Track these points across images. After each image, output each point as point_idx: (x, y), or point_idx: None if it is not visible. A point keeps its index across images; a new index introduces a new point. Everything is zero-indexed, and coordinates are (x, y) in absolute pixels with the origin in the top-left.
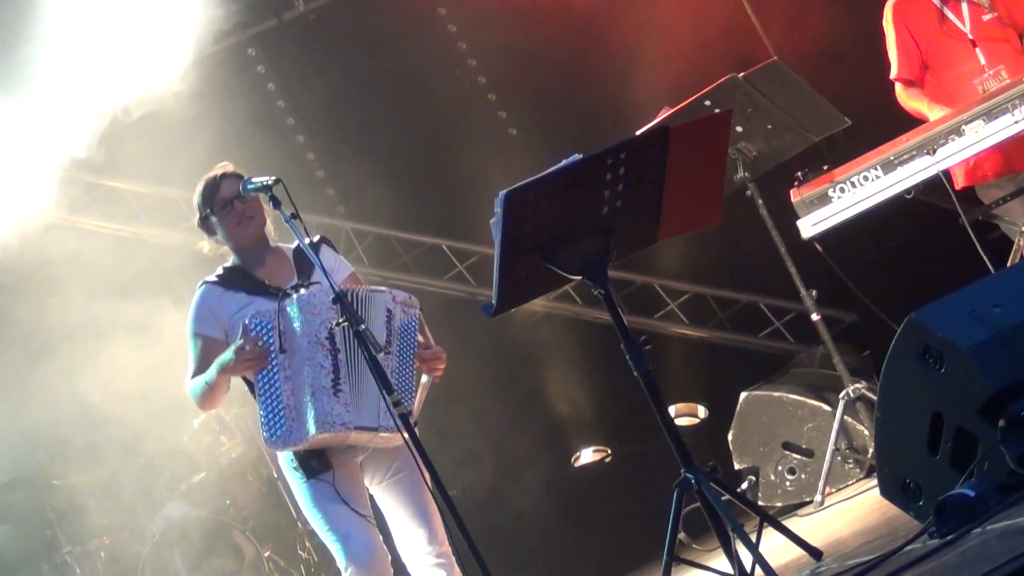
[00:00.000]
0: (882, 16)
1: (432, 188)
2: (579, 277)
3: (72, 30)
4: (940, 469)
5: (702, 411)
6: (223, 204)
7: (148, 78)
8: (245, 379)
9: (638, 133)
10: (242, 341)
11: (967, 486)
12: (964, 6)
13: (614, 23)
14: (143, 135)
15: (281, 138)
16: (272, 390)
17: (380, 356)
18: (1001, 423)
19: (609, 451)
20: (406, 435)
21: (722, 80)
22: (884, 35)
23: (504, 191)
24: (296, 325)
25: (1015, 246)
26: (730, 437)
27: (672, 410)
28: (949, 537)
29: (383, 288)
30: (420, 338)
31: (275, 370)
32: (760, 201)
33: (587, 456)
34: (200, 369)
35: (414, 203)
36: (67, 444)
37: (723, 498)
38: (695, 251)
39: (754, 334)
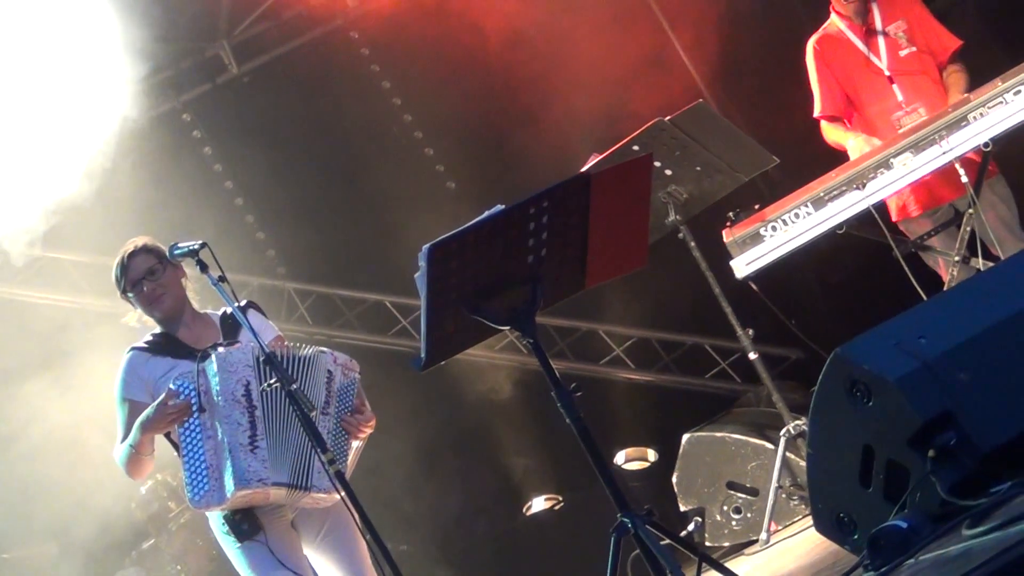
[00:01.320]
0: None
1: (373, 244)
2: (507, 327)
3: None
4: (873, 502)
5: (652, 454)
6: (133, 284)
7: (83, 149)
8: (171, 441)
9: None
10: (163, 398)
11: (900, 518)
12: (881, 41)
13: (548, 72)
14: (82, 205)
15: (220, 201)
16: (194, 450)
17: (318, 416)
18: (931, 453)
19: (560, 498)
20: (343, 492)
21: (649, 124)
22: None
23: (427, 245)
24: (214, 383)
25: (948, 276)
26: (674, 479)
27: (622, 455)
28: (883, 569)
29: (325, 349)
30: (357, 401)
31: (196, 429)
32: (692, 243)
33: (539, 504)
34: (127, 434)
35: (356, 260)
36: (14, 515)
37: (663, 541)
38: (638, 296)
39: (700, 375)
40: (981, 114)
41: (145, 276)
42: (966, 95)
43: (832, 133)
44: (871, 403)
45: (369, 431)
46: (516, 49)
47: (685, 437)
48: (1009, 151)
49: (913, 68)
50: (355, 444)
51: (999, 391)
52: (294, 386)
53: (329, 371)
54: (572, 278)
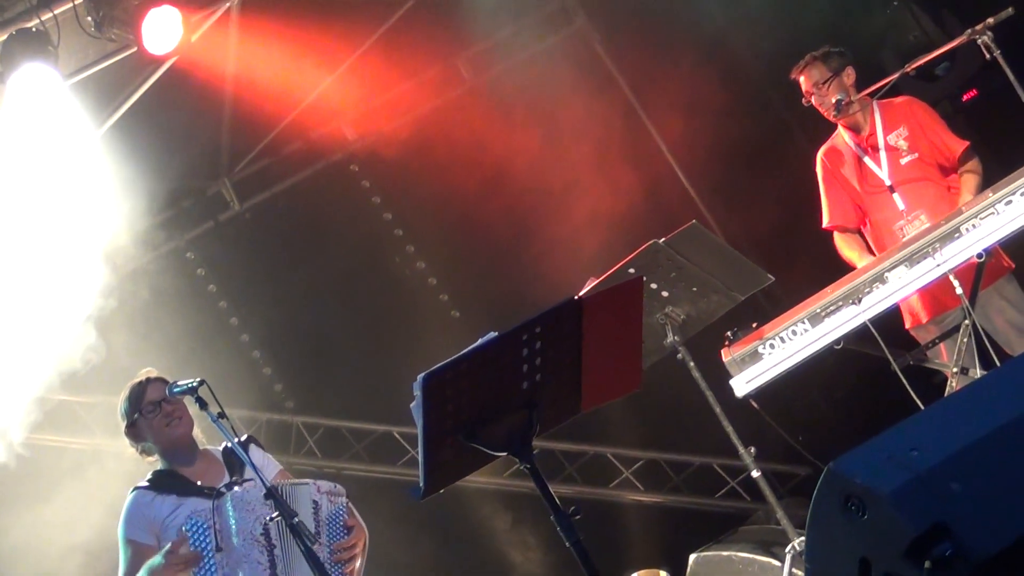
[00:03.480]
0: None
1: (380, 375)
2: (505, 453)
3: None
4: None
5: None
6: (151, 407)
7: (88, 292)
8: None
9: (551, 307)
10: (172, 544)
11: None
12: (883, 151)
13: (547, 199)
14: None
15: (226, 338)
16: None
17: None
18: (927, 565)
19: None
20: None
21: (644, 247)
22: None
23: (421, 375)
24: (232, 523)
25: (948, 387)
26: None
27: None
28: None
29: (307, 480)
30: (350, 522)
31: (213, 570)
32: (692, 364)
33: None
34: None
35: (362, 392)
36: None
37: None
38: (646, 417)
39: (710, 495)
40: (974, 225)
41: (164, 399)
42: (966, 203)
43: (845, 249)
44: (865, 516)
45: (362, 544)
46: (515, 177)
47: (692, 557)
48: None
49: (915, 176)
50: (357, 563)
51: (993, 499)
52: (296, 519)
53: (314, 501)
54: (567, 402)
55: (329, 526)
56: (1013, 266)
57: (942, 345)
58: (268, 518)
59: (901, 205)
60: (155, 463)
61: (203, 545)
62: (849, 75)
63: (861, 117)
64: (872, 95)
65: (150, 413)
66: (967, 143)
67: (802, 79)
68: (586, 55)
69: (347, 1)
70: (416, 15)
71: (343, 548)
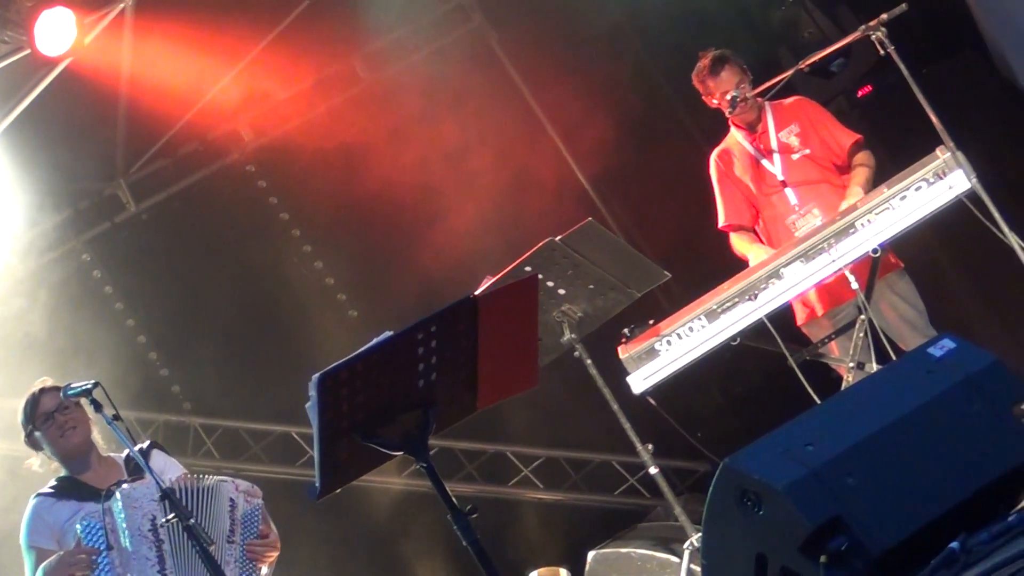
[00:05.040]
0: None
1: (277, 375)
2: (401, 452)
3: None
4: None
5: (565, 573)
6: (44, 417)
7: None
8: None
9: (446, 306)
10: (69, 549)
11: None
12: (775, 147)
13: (444, 196)
14: None
15: (122, 339)
16: None
17: (224, 545)
18: (823, 559)
19: None
20: None
21: (540, 244)
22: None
23: (316, 375)
24: (120, 520)
25: (844, 382)
26: None
27: (535, 574)
28: None
29: (227, 478)
30: (264, 530)
31: (106, 569)
32: (589, 361)
33: None
34: None
35: (260, 393)
36: None
37: None
38: (545, 415)
39: (609, 492)
40: (869, 220)
41: (57, 409)
42: (855, 199)
43: (739, 245)
44: (761, 512)
45: (275, 555)
46: (412, 176)
47: (591, 555)
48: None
49: (807, 172)
50: (264, 571)
51: (887, 494)
52: (191, 521)
53: (231, 499)
54: (464, 401)
55: (244, 525)
56: (902, 265)
57: (834, 343)
58: (163, 520)
59: (794, 200)
60: (59, 469)
61: (96, 544)
62: (748, 74)
63: (754, 116)
64: (764, 93)
65: (44, 424)
66: (858, 137)
67: (717, 79)
68: (483, 53)
69: (243, 1)
70: (312, 14)
71: (258, 545)
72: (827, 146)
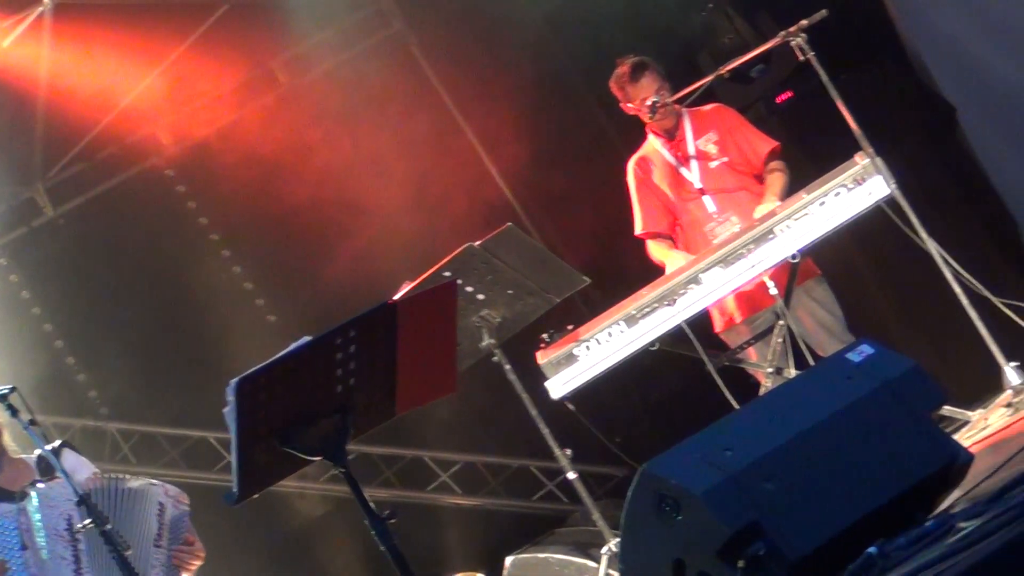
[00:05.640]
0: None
1: (195, 381)
2: (319, 458)
3: None
4: None
5: None
6: None
7: None
8: None
9: (365, 312)
10: None
11: None
12: (692, 155)
13: (363, 202)
14: None
15: (39, 344)
16: None
17: (151, 548)
18: (740, 564)
19: None
20: None
21: (459, 250)
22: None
23: (234, 380)
24: (36, 520)
25: (762, 388)
26: None
27: None
28: None
29: (156, 481)
30: (190, 539)
31: (20, 570)
32: (508, 366)
33: None
34: None
35: (178, 398)
36: None
37: None
38: (464, 421)
39: (527, 497)
40: (788, 226)
41: None
42: (773, 204)
43: (657, 251)
44: (680, 517)
45: (198, 564)
46: (331, 181)
47: (508, 560)
48: (830, 254)
49: (725, 179)
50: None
51: (805, 500)
52: (108, 527)
53: (160, 503)
54: (382, 406)
55: (172, 530)
56: (820, 272)
57: (752, 349)
58: (80, 525)
59: (712, 208)
60: None
61: (10, 544)
62: (667, 81)
63: (672, 123)
64: (684, 99)
65: None
66: (775, 144)
67: (637, 86)
68: (403, 58)
69: (161, 5)
70: (231, 19)
71: (184, 552)
72: (744, 154)
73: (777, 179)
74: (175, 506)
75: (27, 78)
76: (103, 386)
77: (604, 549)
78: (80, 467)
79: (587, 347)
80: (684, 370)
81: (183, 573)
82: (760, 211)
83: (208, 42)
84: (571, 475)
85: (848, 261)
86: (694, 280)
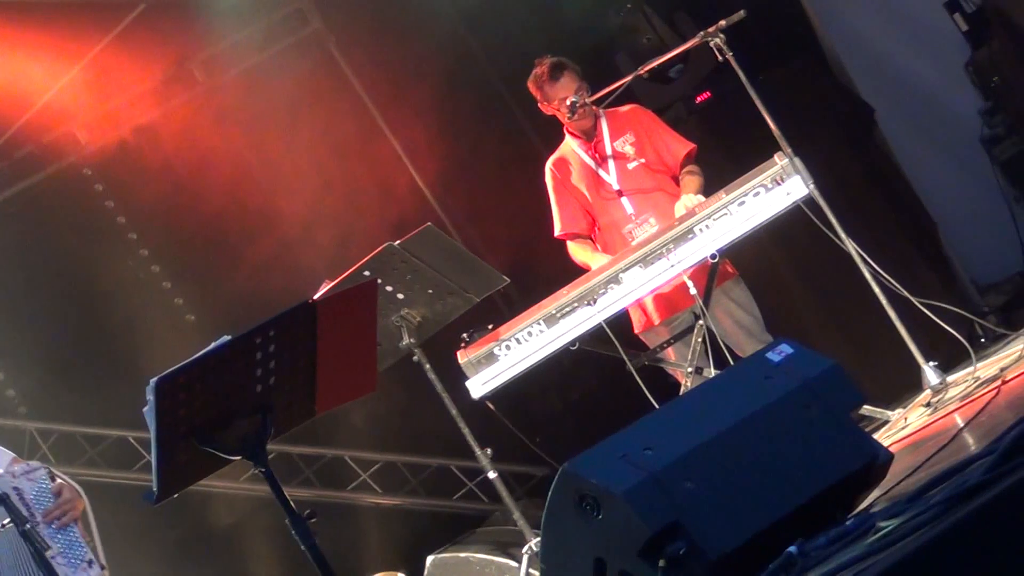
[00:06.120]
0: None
1: (114, 380)
2: (239, 457)
3: None
4: None
5: None
6: None
7: None
8: None
9: (284, 311)
10: None
11: None
12: (610, 158)
13: (282, 201)
14: None
15: None
16: None
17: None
18: (661, 563)
19: None
20: None
21: (379, 249)
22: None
23: (154, 379)
24: None
25: (682, 387)
26: None
27: None
28: None
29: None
30: (55, 487)
31: None
32: (428, 366)
33: None
34: None
35: (97, 397)
36: None
37: None
38: (384, 420)
39: (448, 497)
40: (707, 226)
41: None
42: (694, 202)
43: (578, 252)
44: (600, 516)
45: (80, 504)
46: (251, 180)
47: (429, 559)
48: (749, 253)
49: (642, 180)
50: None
51: (726, 499)
52: (28, 526)
53: (15, 488)
54: (302, 406)
55: (38, 503)
56: (737, 273)
57: (671, 349)
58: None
59: (630, 209)
60: None
61: None
62: (585, 82)
63: (590, 124)
64: (603, 99)
65: None
66: (691, 146)
67: (555, 86)
68: (322, 57)
69: (79, 3)
70: (149, 17)
71: (52, 511)
72: (661, 155)
73: (693, 182)
74: (29, 480)
75: None
76: (21, 385)
77: (525, 548)
78: None
79: (507, 347)
80: (604, 370)
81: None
82: (684, 203)
83: (127, 40)
84: (491, 474)
85: (767, 261)
86: (614, 280)
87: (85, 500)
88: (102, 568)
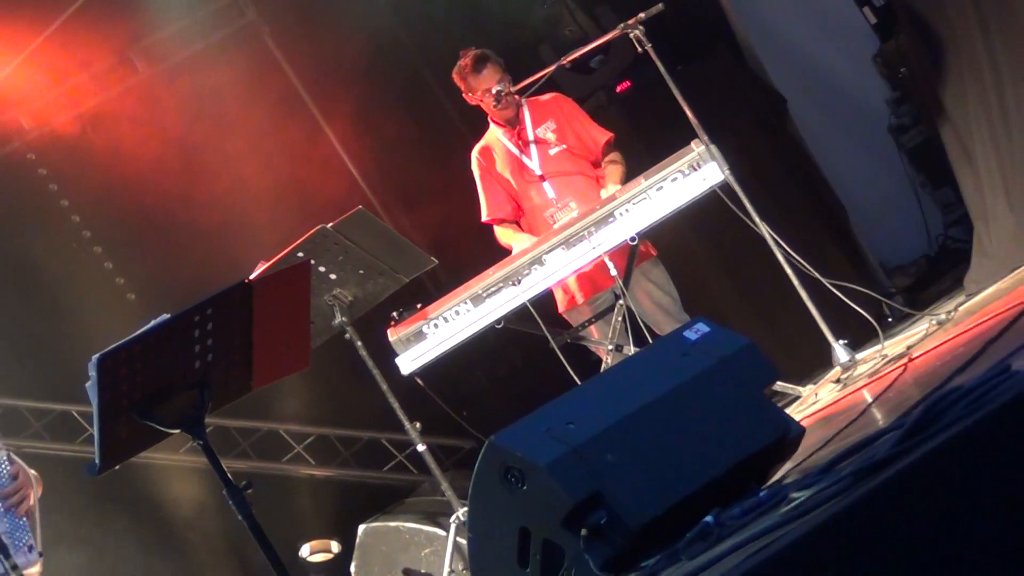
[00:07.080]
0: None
1: (57, 357)
2: (178, 430)
3: None
4: None
5: (335, 546)
6: None
7: None
8: None
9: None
10: None
11: None
12: (532, 143)
13: (222, 185)
14: None
15: None
16: None
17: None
18: (583, 532)
19: None
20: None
21: (312, 231)
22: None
23: (96, 356)
24: None
25: (603, 364)
26: (352, 569)
27: (307, 547)
28: None
29: None
30: (13, 469)
31: None
32: (359, 343)
33: None
34: None
35: (41, 373)
36: None
37: None
38: (317, 395)
39: (378, 468)
40: (627, 210)
41: None
42: (615, 190)
43: (504, 236)
44: (525, 487)
45: (36, 490)
46: (190, 165)
47: (361, 528)
48: (667, 236)
49: (564, 165)
50: (31, 499)
51: (645, 471)
52: None
53: None
54: (239, 381)
55: None
56: (656, 254)
57: (594, 327)
58: None
59: (551, 194)
60: None
61: None
62: (508, 73)
63: (513, 113)
64: (526, 89)
65: None
66: (609, 135)
67: (479, 77)
68: (258, 48)
69: None
70: (92, 5)
71: (9, 495)
72: (582, 141)
73: (616, 170)
74: None
75: None
76: None
77: (452, 518)
78: None
79: (435, 325)
80: (528, 348)
81: (24, 508)
82: (605, 195)
83: (70, 29)
84: (420, 447)
85: (685, 244)
86: (538, 261)
87: (38, 489)
88: (40, 556)
